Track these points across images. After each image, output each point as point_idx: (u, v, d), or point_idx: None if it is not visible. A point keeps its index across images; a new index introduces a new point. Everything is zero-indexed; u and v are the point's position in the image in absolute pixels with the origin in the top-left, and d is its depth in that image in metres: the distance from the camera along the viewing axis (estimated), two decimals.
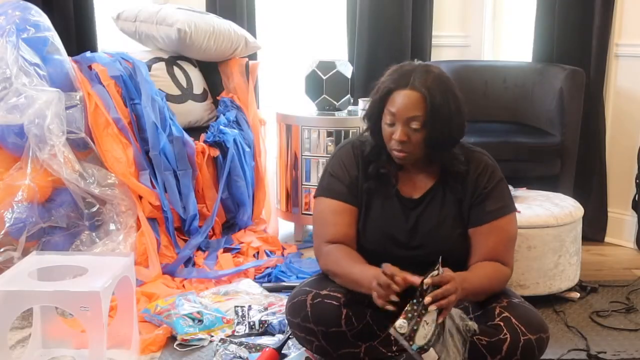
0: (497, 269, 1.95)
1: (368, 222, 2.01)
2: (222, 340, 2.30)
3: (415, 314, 1.70)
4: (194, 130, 3.28)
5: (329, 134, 3.31)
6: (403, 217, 2.01)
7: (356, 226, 2.02)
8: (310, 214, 3.40)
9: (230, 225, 3.31)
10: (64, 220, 2.71)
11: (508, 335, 1.84)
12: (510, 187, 2.42)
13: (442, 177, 2.01)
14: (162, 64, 3.35)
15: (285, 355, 2.16)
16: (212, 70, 3.55)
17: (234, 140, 3.22)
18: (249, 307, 2.50)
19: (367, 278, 1.80)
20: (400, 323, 1.70)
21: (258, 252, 3.14)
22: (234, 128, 3.30)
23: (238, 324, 2.43)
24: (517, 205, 2.40)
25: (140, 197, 2.90)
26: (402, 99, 1.87)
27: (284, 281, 2.86)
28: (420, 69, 1.91)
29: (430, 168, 2.01)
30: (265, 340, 2.32)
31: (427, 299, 1.69)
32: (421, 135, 1.89)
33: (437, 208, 2.00)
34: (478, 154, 2.03)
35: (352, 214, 2.01)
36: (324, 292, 1.93)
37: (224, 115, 3.35)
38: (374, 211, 2.02)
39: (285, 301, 2.13)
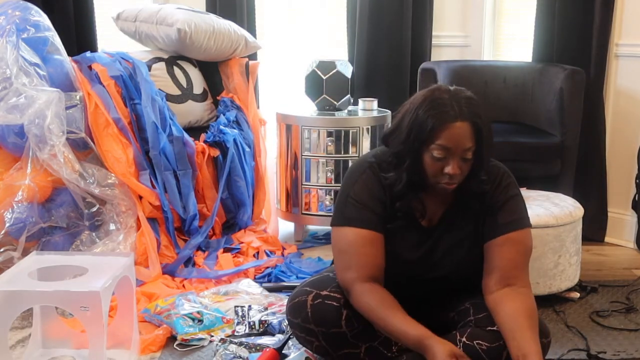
0: (528, 310, 1.83)
1: (386, 248, 1.95)
2: (222, 340, 2.30)
3: None
4: (194, 130, 3.28)
5: (329, 134, 3.31)
6: (421, 242, 1.97)
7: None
8: (310, 214, 3.40)
9: (230, 225, 3.31)
10: (64, 220, 2.71)
11: None
12: None
13: (456, 199, 1.96)
14: (162, 64, 3.35)
15: (285, 355, 2.16)
16: (212, 70, 3.55)
17: (234, 140, 3.22)
18: (249, 307, 2.50)
19: (412, 335, 1.80)
20: None
21: (258, 252, 3.13)
22: (234, 128, 3.30)
23: (238, 324, 2.43)
24: None
25: (140, 197, 2.90)
26: (455, 132, 1.80)
27: (284, 281, 2.86)
28: (456, 96, 1.83)
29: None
30: (265, 340, 2.32)
31: None
32: (470, 164, 1.86)
33: (454, 232, 1.97)
34: (495, 168, 1.99)
35: (382, 241, 1.94)
36: (325, 292, 1.93)
37: (224, 115, 3.35)
38: (393, 237, 1.96)
39: (285, 301, 2.13)
